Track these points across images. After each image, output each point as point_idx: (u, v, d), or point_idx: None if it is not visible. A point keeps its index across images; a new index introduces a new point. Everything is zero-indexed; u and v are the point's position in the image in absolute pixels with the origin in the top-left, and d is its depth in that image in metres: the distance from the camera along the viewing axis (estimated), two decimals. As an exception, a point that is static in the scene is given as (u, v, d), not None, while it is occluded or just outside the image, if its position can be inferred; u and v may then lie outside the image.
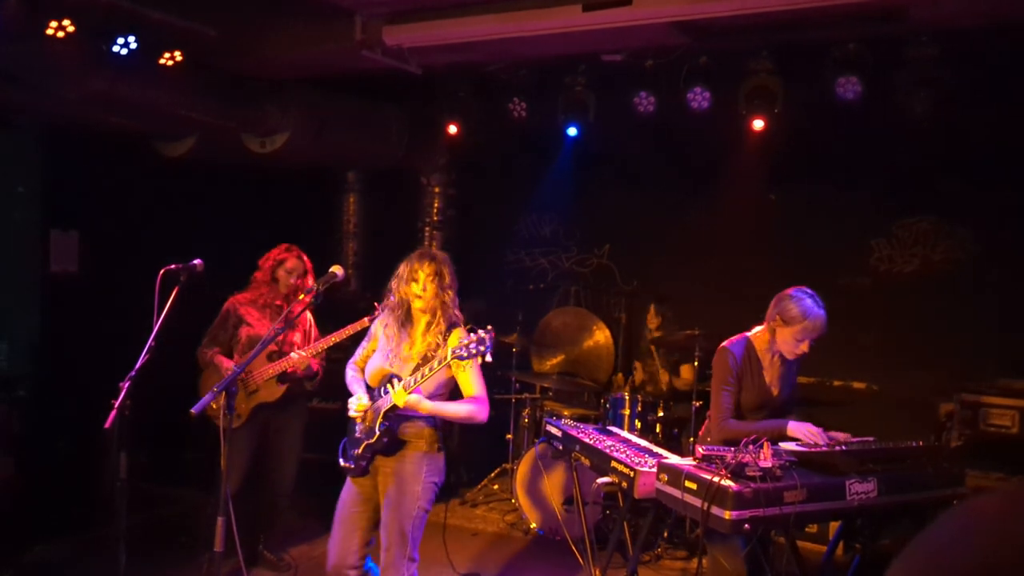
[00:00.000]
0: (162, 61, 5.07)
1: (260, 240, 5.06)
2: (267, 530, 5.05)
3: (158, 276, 3.74)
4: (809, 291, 3.93)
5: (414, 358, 3.69)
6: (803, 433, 3.80)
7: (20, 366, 6.18)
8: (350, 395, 3.84)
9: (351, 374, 3.95)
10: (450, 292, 3.71)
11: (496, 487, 6.63)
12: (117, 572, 3.69)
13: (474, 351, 3.43)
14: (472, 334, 3.47)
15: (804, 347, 3.90)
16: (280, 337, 4.64)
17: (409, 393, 3.54)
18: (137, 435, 3.60)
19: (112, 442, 3.56)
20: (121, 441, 3.55)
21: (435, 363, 3.54)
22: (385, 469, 3.74)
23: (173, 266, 3.83)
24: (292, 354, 4.66)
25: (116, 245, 6.34)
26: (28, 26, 4.39)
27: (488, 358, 3.45)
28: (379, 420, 3.64)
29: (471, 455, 6.95)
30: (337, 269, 3.94)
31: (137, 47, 4.83)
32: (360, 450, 3.72)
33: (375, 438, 3.66)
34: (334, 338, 4.61)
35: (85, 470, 5.83)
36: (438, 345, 3.65)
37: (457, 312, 3.77)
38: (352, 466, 3.78)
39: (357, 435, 3.77)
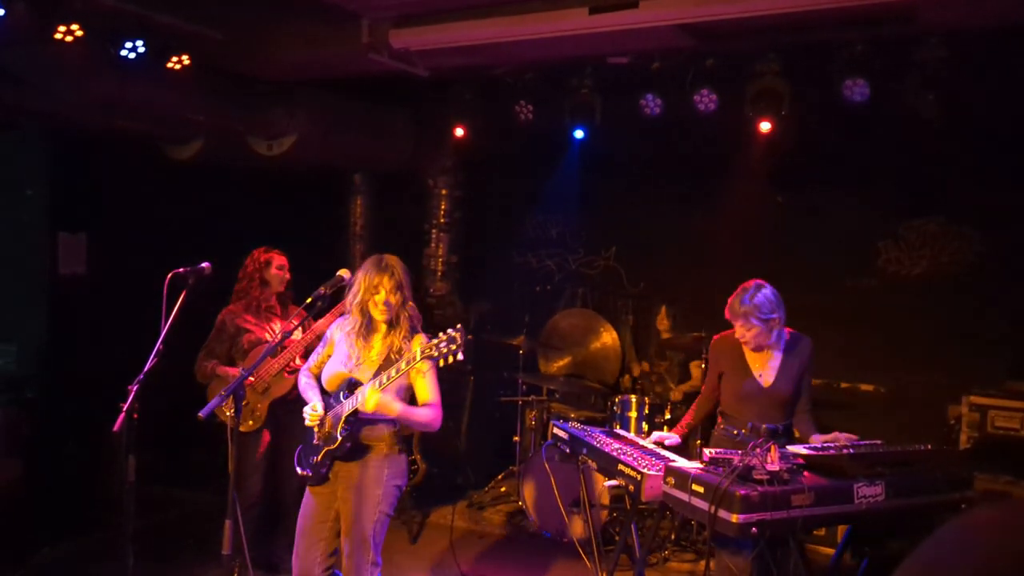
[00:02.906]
0: (170, 65, 5.09)
1: (267, 243, 5.07)
2: (274, 530, 5.06)
3: (166, 279, 3.76)
4: (755, 283, 4.03)
5: (375, 361, 3.61)
6: None
7: (28, 368, 6.20)
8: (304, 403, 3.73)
9: (305, 381, 3.85)
10: (410, 301, 3.66)
11: (503, 489, 6.63)
12: (125, 574, 3.70)
13: (444, 350, 3.29)
14: (441, 334, 3.32)
15: (738, 333, 4.06)
16: (279, 334, 4.69)
17: (380, 392, 3.42)
18: (145, 437, 3.61)
19: (120, 444, 3.57)
20: (129, 444, 3.57)
21: (403, 364, 3.40)
22: (345, 475, 3.64)
23: (181, 269, 3.85)
24: (294, 335, 4.75)
25: (124, 247, 6.36)
26: (37, 30, 4.41)
27: (460, 356, 3.29)
28: (340, 425, 3.55)
29: (478, 457, 6.96)
30: (345, 273, 3.96)
31: (145, 51, 4.85)
32: (320, 457, 3.63)
33: (336, 444, 3.56)
34: (325, 321, 4.55)
35: (93, 472, 5.85)
36: (400, 348, 3.56)
37: (417, 316, 3.72)
38: (311, 473, 3.68)
39: (315, 442, 3.67)
